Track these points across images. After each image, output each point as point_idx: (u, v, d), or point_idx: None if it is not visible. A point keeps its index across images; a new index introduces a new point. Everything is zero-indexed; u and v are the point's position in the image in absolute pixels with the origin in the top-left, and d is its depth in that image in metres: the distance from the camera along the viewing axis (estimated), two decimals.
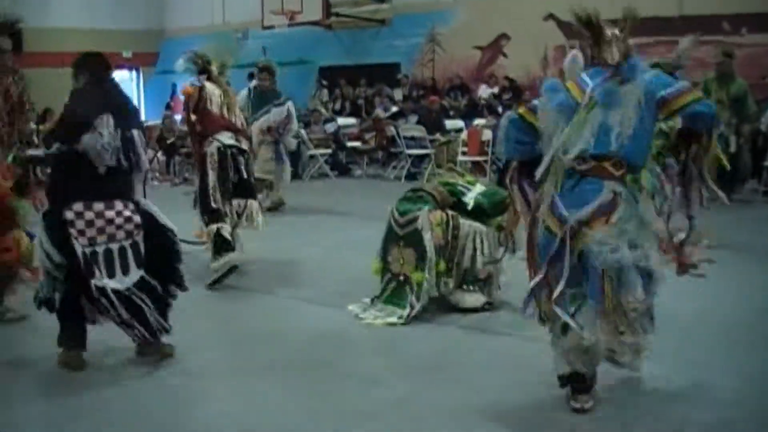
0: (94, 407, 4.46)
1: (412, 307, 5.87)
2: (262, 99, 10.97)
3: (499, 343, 5.43)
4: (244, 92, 11.04)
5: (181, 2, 24.10)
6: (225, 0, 22.72)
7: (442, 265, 5.95)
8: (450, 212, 6.07)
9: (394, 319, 5.83)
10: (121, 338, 5.12)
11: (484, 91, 17.47)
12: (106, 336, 5.17)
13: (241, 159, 7.43)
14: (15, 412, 4.43)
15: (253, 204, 7.51)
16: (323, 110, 17.58)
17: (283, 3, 19.12)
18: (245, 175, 7.45)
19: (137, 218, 4.94)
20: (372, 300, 6.17)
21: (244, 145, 7.58)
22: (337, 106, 19.08)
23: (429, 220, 5.95)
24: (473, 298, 6.03)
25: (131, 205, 4.95)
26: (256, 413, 4.38)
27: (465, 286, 6.04)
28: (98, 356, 5.13)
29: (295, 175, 15.65)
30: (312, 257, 8.22)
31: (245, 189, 7.47)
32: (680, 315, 5.76)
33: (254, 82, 11.41)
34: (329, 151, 16.11)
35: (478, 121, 15.48)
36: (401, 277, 6.02)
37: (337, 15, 19.58)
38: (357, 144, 16.58)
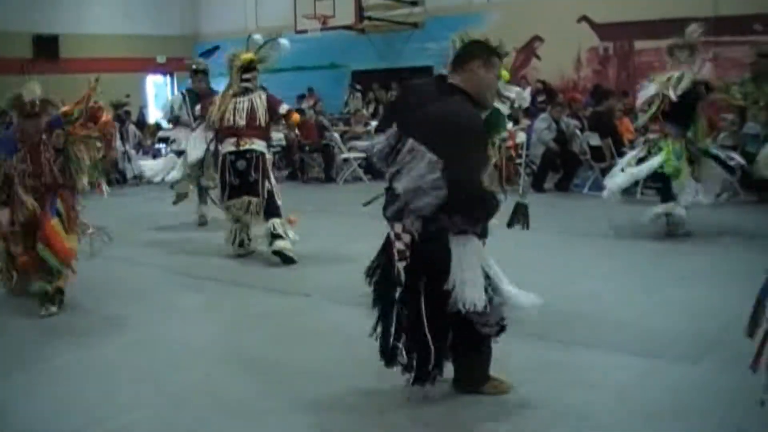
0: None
1: None
2: (197, 102, 10.31)
3: (530, 347, 5.39)
4: (177, 96, 11.14)
5: (215, 8, 24.26)
6: (258, 5, 22.85)
7: None
8: None
9: None
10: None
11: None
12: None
13: (242, 162, 8.15)
14: None
15: (249, 200, 8.20)
16: (364, 111, 17.69)
17: (315, 7, 19.19)
18: (249, 176, 8.18)
19: None
20: None
21: (252, 145, 8.19)
22: (370, 109, 19.11)
23: None
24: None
25: None
26: (294, 411, 4.40)
27: None
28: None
29: (329, 179, 15.79)
30: (346, 260, 8.24)
31: (247, 187, 8.21)
32: (719, 313, 5.74)
33: (188, 86, 11.09)
34: (363, 154, 16.13)
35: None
36: None
37: (370, 19, 19.60)
38: None
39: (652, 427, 4.09)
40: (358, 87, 20.09)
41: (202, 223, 10.87)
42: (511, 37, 17.99)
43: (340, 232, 9.88)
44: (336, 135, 16.33)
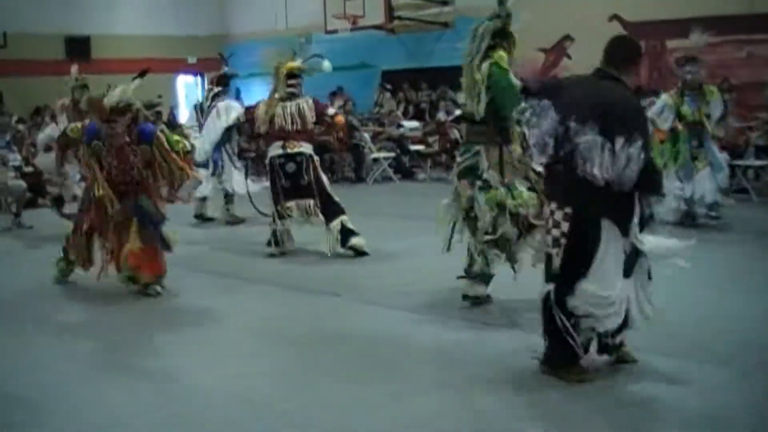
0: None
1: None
2: None
3: None
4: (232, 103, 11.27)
5: (245, 8, 24.27)
6: (288, 5, 22.84)
7: None
8: None
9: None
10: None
11: None
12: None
13: (291, 165, 8.34)
14: None
15: (305, 202, 8.40)
16: (398, 113, 17.71)
17: (345, 7, 19.18)
18: (300, 178, 8.37)
19: None
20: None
21: (300, 148, 8.39)
22: (400, 109, 19.07)
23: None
24: (474, 289, 6.15)
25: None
26: (317, 412, 4.40)
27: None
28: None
29: (359, 179, 15.79)
30: (375, 260, 8.25)
31: (300, 189, 8.39)
32: (750, 314, 5.66)
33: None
34: (393, 154, 16.12)
35: None
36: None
37: (400, 18, 19.53)
38: (420, 147, 16.57)
39: (680, 429, 4.04)
40: (389, 87, 20.05)
41: (235, 222, 10.96)
42: (541, 36, 18.01)
43: (369, 232, 9.84)
44: (366, 135, 16.32)
